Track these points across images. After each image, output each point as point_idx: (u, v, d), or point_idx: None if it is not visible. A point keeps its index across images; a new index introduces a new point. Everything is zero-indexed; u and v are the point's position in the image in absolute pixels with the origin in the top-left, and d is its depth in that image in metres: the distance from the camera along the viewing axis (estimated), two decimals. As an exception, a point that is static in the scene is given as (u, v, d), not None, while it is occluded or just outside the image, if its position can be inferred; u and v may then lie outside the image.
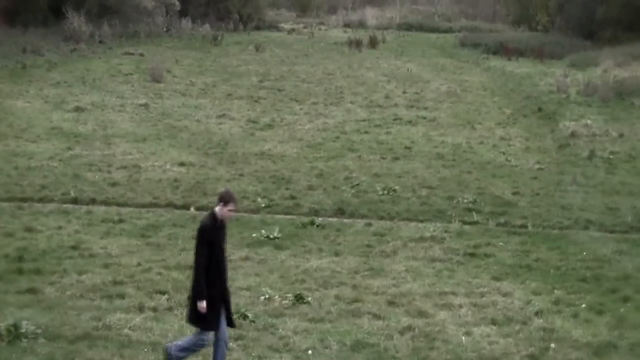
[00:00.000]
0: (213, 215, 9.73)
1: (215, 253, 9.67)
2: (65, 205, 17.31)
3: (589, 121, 27.26)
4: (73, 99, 28.06)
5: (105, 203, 17.64)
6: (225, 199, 9.71)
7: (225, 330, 9.93)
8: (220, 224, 9.77)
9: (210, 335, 9.88)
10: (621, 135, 25.88)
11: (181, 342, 10.01)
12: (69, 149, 21.83)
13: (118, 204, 17.62)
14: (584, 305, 13.04)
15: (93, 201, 17.68)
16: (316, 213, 17.60)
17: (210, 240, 9.62)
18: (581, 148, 24.30)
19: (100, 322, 11.45)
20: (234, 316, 10.26)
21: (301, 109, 29.10)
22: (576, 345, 11.60)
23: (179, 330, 11.30)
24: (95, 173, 19.69)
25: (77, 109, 26.60)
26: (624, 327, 12.21)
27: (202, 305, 9.60)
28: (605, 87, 32.65)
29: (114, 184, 18.89)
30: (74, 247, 14.68)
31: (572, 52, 44.76)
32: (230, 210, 9.74)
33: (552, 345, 11.53)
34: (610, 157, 23.43)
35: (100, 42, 44.15)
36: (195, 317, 9.76)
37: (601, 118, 28.37)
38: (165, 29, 51.76)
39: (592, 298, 13.40)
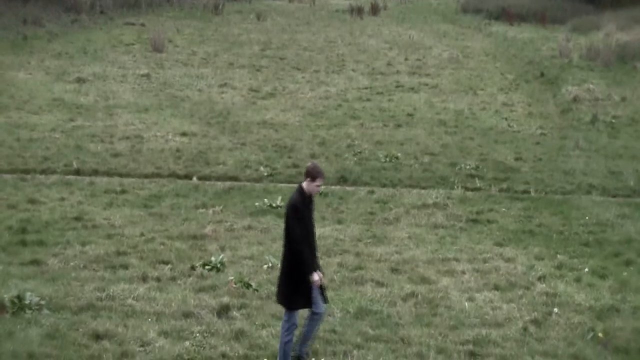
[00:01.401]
0: (301, 191, 9.56)
1: (307, 229, 9.54)
2: (67, 177, 17.33)
3: (591, 85, 27.16)
4: (74, 70, 27.98)
5: (108, 174, 17.66)
6: (312, 174, 9.51)
7: (323, 305, 9.76)
8: (309, 199, 9.61)
9: (322, 307, 9.73)
10: (623, 99, 25.80)
11: (302, 336, 9.84)
12: (71, 120, 21.80)
13: (121, 175, 17.64)
14: (586, 270, 13.07)
15: (95, 172, 17.70)
16: (319, 181, 17.58)
17: (302, 216, 9.47)
18: (583, 112, 24.24)
19: (104, 293, 11.50)
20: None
21: (303, 77, 29.01)
22: (579, 309, 11.63)
23: (182, 300, 11.34)
24: (97, 144, 19.68)
25: (79, 80, 26.53)
26: (627, 291, 12.24)
27: (315, 278, 9.48)
28: (608, 51, 32.49)
29: (116, 155, 18.89)
30: (77, 219, 14.71)
31: (574, 17, 44.50)
32: (317, 186, 9.57)
33: (555, 309, 11.56)
34: (613, 121, 23.37)
35: (102, 12, 43.94)
36: (290, 298, 9.62)
37: (603, 82, 28.27)
38: (166, -1, 51.51)
39: (594, 262, 13.44)
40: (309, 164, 9.79)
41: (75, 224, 14.44)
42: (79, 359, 9.75)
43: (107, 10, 44.60)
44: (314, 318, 9.78)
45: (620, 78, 29.19)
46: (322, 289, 9.72)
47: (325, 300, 9.81)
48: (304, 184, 9.58)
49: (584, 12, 45.87)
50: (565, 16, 45.61)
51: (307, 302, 9.66)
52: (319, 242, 13.83)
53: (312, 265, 9.55)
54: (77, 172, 17.64)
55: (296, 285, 9.57)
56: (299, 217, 9.45)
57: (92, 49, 32.46)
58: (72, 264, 12.59)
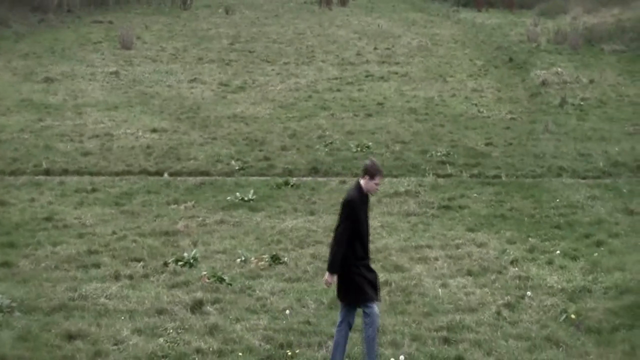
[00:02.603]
0: (359, 188, 9.31)
1: (361, 227, 9.29)
2: (37, 177, 17.23)
3: (559, 69, 27.30)
4: (42, 70, 27.79)
5: (78, 173, 17.57)
6: (371, 172, 9.25)
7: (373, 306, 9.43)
8: (365, 197, 9.38)
9: (375, 307, 9.44)
10: (591, 82, 25.95)
11: (365, 338, 9.55)
12: (40, 120, 21.66)
13: (91, 174, 17.55)
14: (558, 252, 13.15)
15: (65, 172, 17.61)
16: (290, 173, 17.61)
17: (357, 214, 9.23)
18: (552, 96, 24.35)
19: (76, 293, 11.42)
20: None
21: (273, 69, 28.96)
22: (551, 291, 11.70)
23: (155, 297, 11.31)
24: (67, 143, 19.57)
25: (47, 80, 26.35)
26: (598, 272, 12.32)
27: (329, 279, 9.29)
28: (575, 35, 32.66)
29: (86, 154, 18.79)
30: (47, 219, 14.63)
31: (541, 1, 44.64)
32: (376, 184, 9.32)
33: (528, 292, 11.62)
34: (581, 103, 23.51)
35: (69, 11, 43.64)
36: (349, 294, 9.39)
37: (571, 65, 28.42)
38: (133, -5, 51.20)
39: (566, 244, 13.52)
40: (367, 161, 9.51)
41: (45, 225, 14.36)
42: (52, 359, 9.70)
43: (74, 9, 44.30)
44: (366, 316, 9.45)
45: (587, 61, 29.35)
46: (374, 285, 9.43)
47: (378, 299, 9.57)
48: (362, 182, 9.32)
49: (551, -4, 46.04)
50: (532, 1, 45.77)
51: (358, 299, 9.40)
52: (292, 234, 13.95)
53: (337, 267, 9.23)
54: (47, 172, 17.54)
55: (345, 281, 9.36)
56: (353, 215, 9.19)
57: (60, 48, 32.24)
58: (43, 264, 12.51)
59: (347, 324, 9.54)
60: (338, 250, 9.24)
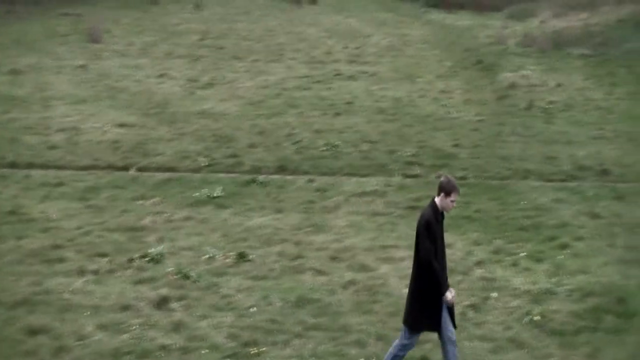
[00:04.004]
0: (434, 206, 9.14)
1: (437, 247, 9.05)
2: (2, 170, 17.08)
3: (527, 72, 27.43)
4: (9, 62, 27.51)
5: (44, 166, 17.44)
6: (447, 189, 9.08)
7: (452, 329, 9.25)
8: (441, 216, 9.19)
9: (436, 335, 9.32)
10: (559, 85, 26.10)
11: (391, 352, 9.43)
12: (6, 112, 21.45)
13: (57, 167, 17.43)
14: (523, 254, 13.24)
15: (31, 165, 17.47)
16: (258, 171, 17.58)
17: (434, 234, 9.01)
18: (520, 99, 24.47)
19: (40, 287, 11.36)
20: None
21: (242, 66, 28.86)
22: (516, 293, 11.79)
23: (120, 293, 11.26)
24: (33, 136, 19.41)
25: (13, 72, 26.09)
26: (562, 274, 12.42)
27: (449, 297, 9.04)
28: (543, 38, 32.83)
29: (52, 147, 18.65)
30: (11, 212, 14.52)
31: (510, 4, 44.80)
32: (452, 201, 9.13)
33: (493, 294, 11.70)
34: (549, 107, 23.64)
35: (36, 3, 43.23)
36: (415, 319, 9.23)
37: (539, 68, 28.56)
38: (102, -11, 50.84)
39: (531, 246, 13.61)
40: (442, 178, 9.34)
41: (10, 218, 14.25)
42: (14, 354, 9.63)
43: (42, 1, 43.90)
44: (446, 342, 9.21)
45: (555, 64, 29.52)
46: (451, 312, 9.23)
47: (454, 325, 9.27)
48: (437, 200, 9.15)
49: (520, -1, 46.32)
50: (502, 3, 45.91)
51: (433, 325, 9.19)
52: (259, 232, 13.93)
53: (445, 284, 9.06)
54: (12, 165, 17.38)
55: (423, 305, 9.11)
56: (431, 234, 8.97)
57: (27, 40, 31.94)
58: (7, 258, 12.42)
59: (410, 348, 9.37)
60: (433, 270, 8.95)
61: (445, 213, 9.27)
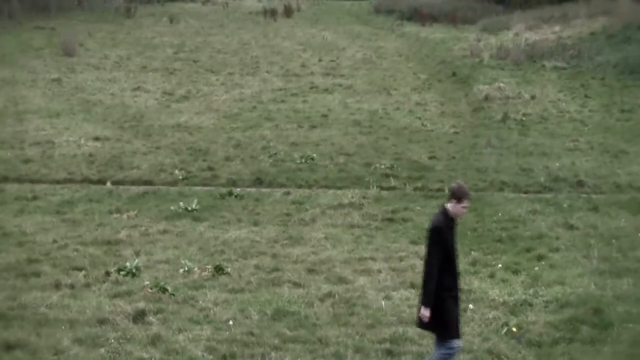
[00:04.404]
0: (445, 213, 9.03)
1: (449, 254, 8.97)
2: (-24, 184, 16.96)
3: (502, 84, 27.62)
4: (-18, 76, 27.40)
5: (18, 180, 17.33)
6: (458, 195, 8.96)
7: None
8: (452, 222, 9.08)
9: (457, 342, 9.20)
10: (533, 97, 26.29)
11: None
12: (-21, 126, 21.34)
13: (32, 181, 17.33)
14: (500, 266, 13.28)
15: (5, 179, 17.35)
16: (234, 184, 17.57)
17: (444, 241, 8.93)
18: (495, 111, 24.63)
19: (15, 302, 11.25)
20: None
21: (217, 79, 28.89)
22: (493, 304, 11.80)
23: (97, 307, 11.18)
24: (7, 150, 19.30)
25: (-13, 86, 26.00)
26: (539, 285, 12.46)
27: (426, 313, 8.92)
28: (517, 50, 33.10)
29: (27, 161, 18.55)
30: (-14, 226, 14.41)
31: (484, 17, 45.18)
32: (464, 207, 9.03)
33: (470, 305, 11.70)
34: (523, 119, 23.80)
35: (10, 17, 43.04)
36: (434, 324, 9.04)
37: (514, 81, 28.76)
38: (77, 2, 50.65)
39: (507, 258, 13.65)
40: (453, 184, 9.24)
41: (-16, 232, 14.13)
42: (-10, 370, 9.54)
43: (15, 15, 43.71)
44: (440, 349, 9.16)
45: (529, 77, 29.74)
46: (457, 321, 9.15)
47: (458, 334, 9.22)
48: (449, 206, 9.03)
49: (493, 12, 46.61)
50: (475, 16, 46.27)
51: (455, 331, 9.14)
52: (235, 245, 13.89)
53: (431, 298, 8.88)
54: (-14, 179, 17.28)
55: (440, 311, 9.01)
56: (441, 241, 8.89)
57: (1, 53, 31.80)
58: (-18, 273, 12.30)
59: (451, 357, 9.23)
60: (430, 280, 8.90)
61: (457, 219, 9.22)
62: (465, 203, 9.02)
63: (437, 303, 8.99)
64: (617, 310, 11.64)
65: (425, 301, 8.98)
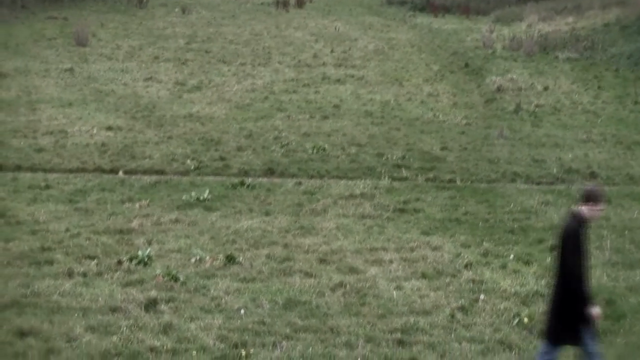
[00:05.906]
0: (579, 217, 8.74)
1: (584, 261, 8.66)
2: (-11, 173, 17.02)
3: (514, 75, 27.57)
4: (-5, 65, 27.46)
5: (31, 169, 17.39)
6: (594, 198, 8.69)
7: (594, 345, 8.88)
8: (585, 226, 8.76)
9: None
10: (546, 89, 26.22)
11: None
12: (-8, 115, 21.40)
13: (44, 170, 17.38)
14: (511, 256, 13.27)
15: (18, 168, 17.41)
16: (246, 174, 17.58)
17: (584, 247, 8.64)
18: (507, 102, 24.58)
19: (29, 289, 11.30)
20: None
21: (229, 70, 28.88)
22: (504, 295, 11.80)
23: (109, 295, 11.23)
24: (20, 139, 19.35)
25: (0, 75, 26.02)
26: (550, 276, 12.42)
27: (595, 312, 8.67)
28: (530, 42, 33.00)
29: (39, 150, 18.60)
30: None
31: (497, 8, 45.06)
32: (600, 210, 8.78)
33: (482, 296, 11.71)
34: (536, 110, 23.75)
35: (23, 6, 43.12)
36: (556, 333, 8.86)
37: (526, 72, 28.70)
38: (89, -8, 50.75)
39: (519, 249, 13.65)
40: (587, 187, 9.02)
41: (-3, 221, 14.19)
42: (3, 357, 9.57)
43: (28, 5, 43.79)
44: (594, 357, 8.86)
45: (542, 68, 29.66)
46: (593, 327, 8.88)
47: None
48: (584, 209, 8.74)
49: (506, 3, 46.47)
50: (488, 7, 46.17)
51: (576, 340, 8.82)
52: (247, 235, 13.92)
53: (589, 299, 8.68)
54: (0, 168, 17.32)
55: (565, 319, 8.78)
56: (580, 247, 8.60)
57: (14, 43, 31.86)
58: (-5, 261, 12.36)
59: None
60: (580, 285, 8.60)
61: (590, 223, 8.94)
62: (601, 205, 8.81)
63: (568, 309, 8.75)
64: (630, 301, 11.64)
65: (588, 303, 8.67)
